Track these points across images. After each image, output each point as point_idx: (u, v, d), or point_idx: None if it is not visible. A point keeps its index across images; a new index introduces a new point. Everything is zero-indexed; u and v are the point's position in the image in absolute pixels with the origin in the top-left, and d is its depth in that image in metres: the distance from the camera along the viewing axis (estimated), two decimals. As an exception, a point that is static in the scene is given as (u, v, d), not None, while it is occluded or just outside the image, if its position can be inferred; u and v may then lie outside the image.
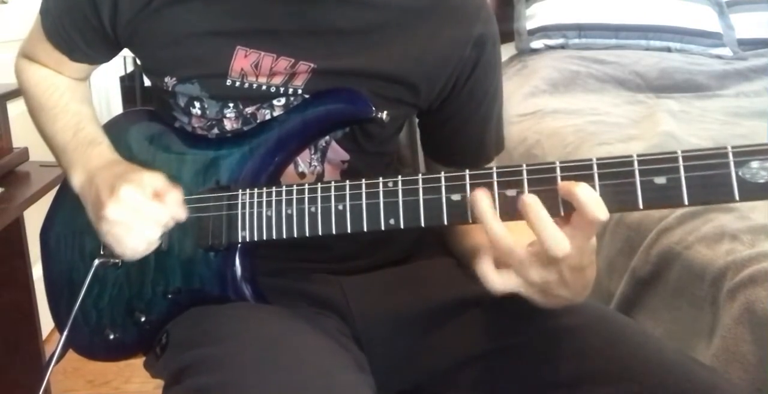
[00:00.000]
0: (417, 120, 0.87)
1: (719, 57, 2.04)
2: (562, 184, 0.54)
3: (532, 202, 0.54)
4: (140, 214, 0.68)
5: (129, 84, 2.92)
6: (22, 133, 1.21)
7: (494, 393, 0.69)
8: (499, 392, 0.68)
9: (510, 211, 0.56)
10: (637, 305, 1.09)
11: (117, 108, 2.60)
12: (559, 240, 0.53)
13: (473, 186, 0.58)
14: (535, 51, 2.05)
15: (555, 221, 0.54)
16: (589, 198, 0.52)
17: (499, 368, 0.69)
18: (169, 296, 0.75)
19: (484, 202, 0.56)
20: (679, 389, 0.59)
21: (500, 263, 0.58)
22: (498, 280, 0.58)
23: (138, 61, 0.82)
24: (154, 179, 0.71)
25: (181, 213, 0.71)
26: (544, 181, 0.55)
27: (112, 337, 0.79)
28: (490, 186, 0.57)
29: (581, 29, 2.02)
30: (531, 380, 0.67)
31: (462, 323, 0.74)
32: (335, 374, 0.61)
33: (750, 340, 0.85)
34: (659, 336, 0.85)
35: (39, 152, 1.14)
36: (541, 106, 1.71)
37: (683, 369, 0.61)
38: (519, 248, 0.56)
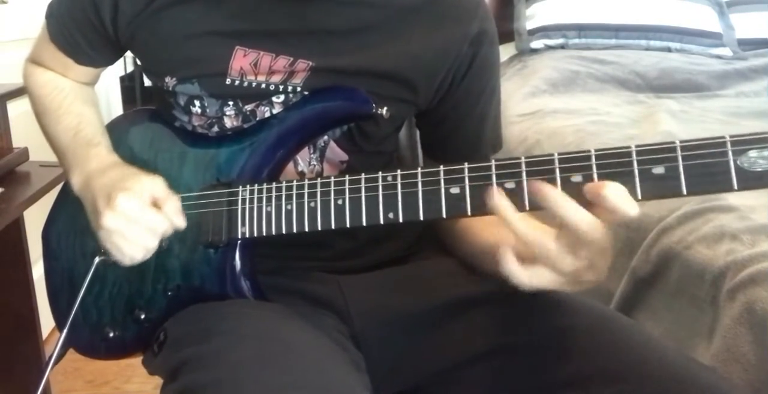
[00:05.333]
0: (415, 119, 0.87)
1: (719, 57, 2.04)
2: (589, 186, 0.53)
3: (548, 191, 0.54)
4: (137, 223, 0.67)
5: (129, 84, 2.93)
6: (22, 133, 1.21)
7: None
8: (499, 393, 0.68)
9: (516, 203, 0.56)
10: (637, 305, 1.08)
11: (117, 108, 2.61)
12: (593, 223, 0.53)
13: (472, 179, 0.58)
14: (535, 51, 2.05)
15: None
16: (622, 198, 0.51)
17: (499, 369, 0.69)
18: (169, 294, 0.75)
19: (501, 199, 0.55)
20: (679, 389, 0.59)
21: (524, 259, 0.56)
22: (526, 275, 0.56)
23: (138, 62, 0.83)
24: (152, 185, 0.70)
25: (179, 221, 0.70)
26: (542, 173, 0.55)
27: (111, 335, 0.79)
28: (488, 179, 0.57)
29: (581, 29, 2.02)
30: (530, 380, 0.66)
31: (461, 324, 0.73)
32: (331, 373, 0.61)
33: (750, 340, 0.85)
34: (659, 336, 0.85)
35: (39, 152, 1.14)
36: (541, 106, 1.70)
37: (683, 370, 0.61)
38: (548, 240, 0.55)
